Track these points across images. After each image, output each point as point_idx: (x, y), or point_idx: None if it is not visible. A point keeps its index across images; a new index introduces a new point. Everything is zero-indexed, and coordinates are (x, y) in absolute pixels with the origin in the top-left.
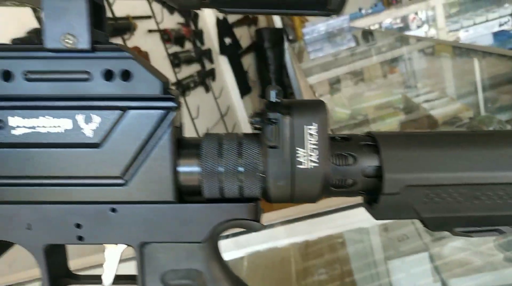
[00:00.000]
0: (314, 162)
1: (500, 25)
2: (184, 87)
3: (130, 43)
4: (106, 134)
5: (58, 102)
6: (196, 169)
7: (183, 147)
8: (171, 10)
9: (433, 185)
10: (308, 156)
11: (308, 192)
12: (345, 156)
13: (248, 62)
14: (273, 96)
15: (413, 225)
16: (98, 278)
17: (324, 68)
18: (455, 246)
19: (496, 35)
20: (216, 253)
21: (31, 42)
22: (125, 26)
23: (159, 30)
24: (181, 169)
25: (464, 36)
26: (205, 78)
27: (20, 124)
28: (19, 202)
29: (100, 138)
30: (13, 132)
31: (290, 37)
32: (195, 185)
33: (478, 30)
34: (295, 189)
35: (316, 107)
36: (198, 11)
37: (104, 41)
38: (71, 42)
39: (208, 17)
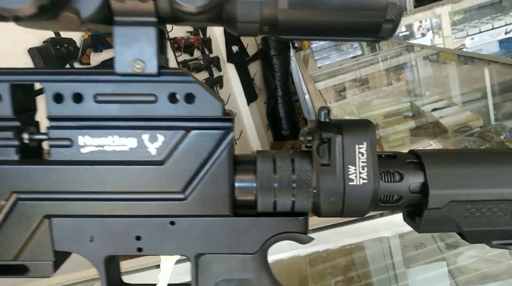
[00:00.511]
0: (364, 179)
1: (506, 32)
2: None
3: None
4: (169, 152)
5: (125, 122)
6: (251, 184)
7: (239, 164)
8: None
9: (474, 201)
10: (358, 173)
11: (358, 207)
12: (392, 173)
13: (255, 69)
14: (323, 116)
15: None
16: None
17: (331, 75)
18: (471, 254)
19: (502, 42)
20: (266, 264)
21: (47, 50)
22: None
23: (169, 39)
24: (237, 184)
25: (470, 44)
26: (213, 85)
27: (89, 143)
28: (84, 216)
29: (164, 156)
30: (82, 150)
31: (296, 45)
32: (250, 200)
33: (484, 38)
34: (345, 204)
35: (365, 127)
36: None
37: (165, 64)
38: (140, 67)
39: (216, 27)
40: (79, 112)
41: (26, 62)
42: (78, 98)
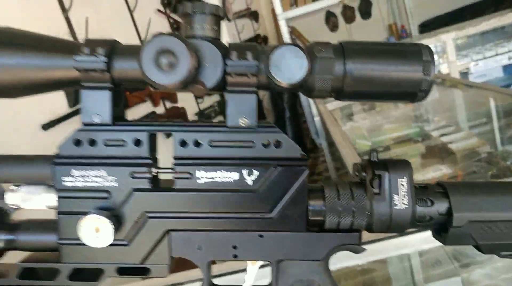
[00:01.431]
0: (405, 204)
1: (510, 58)
2: (205, 116)
3: None
4: (262, 183)
5: (231, 160)
6: (321, 208)
7: (310, 192)
8: None
9: (487, 221)
10: (401, 200)
11: (400, 225)
12: (425, 200)
13: (263, 92)
14: (374, 157)
15: (444, 250)
16: None
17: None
18: (483, 273)
19: (505, 68)
20: (328, 269)
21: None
22: None
23: None
24: (310, 208)
25: (475, 69)
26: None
27: (203, 176)
28: (196, 230)
29: (257, 186)
30: (198, 181)
31: None
32: (319, 219)
33: (488, 63)
34: (391, 223)
35: (405, 165)
36: None
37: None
38: (245, 123)
39: None
40: (197, 154)
41: None
42: (197, 143)
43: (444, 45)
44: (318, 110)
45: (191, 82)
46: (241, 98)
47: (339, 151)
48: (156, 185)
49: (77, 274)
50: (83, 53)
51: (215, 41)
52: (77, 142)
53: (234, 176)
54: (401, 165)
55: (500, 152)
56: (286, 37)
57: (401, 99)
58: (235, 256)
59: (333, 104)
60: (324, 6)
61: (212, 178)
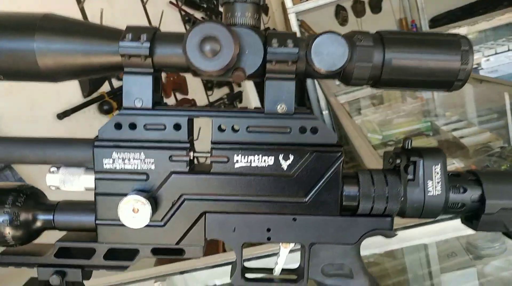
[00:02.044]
0: (439, 191)
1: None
2: None
3: None
4: (297, 168)
5: (268, 146)
6: (356, 193)
7: (345, 178)
8: None
9: None
10: (435, 187)
11: (433, 211)
12: (458, 187)
13: None
14: (407, 144)
15: (459, 242)
16: (268, 270)
17: (346, 92)
18: (496, 265)
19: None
20: (359, 254)
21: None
22: None
23: None
24: (345, 193)
25: (486, 65)
26: (233, 100)
27: (240, 160)
28: (231, 212)
29: (293, 171)
30: (235, 165)
31: None
32: (353, 205)
33: (500, 59)
34: (424, 209)
35: (439, 153)
36: None
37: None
38: (283, 109)
39: None
40: (235, 138)
41: None
42: (234, 129)
43: None
44: (328, 104)
45: (232, 69)
46: (280, 85)
47: (352, 144)
48: (194, 168)
49: (112, 254)
50: (127, 39)
51: (256, 28)
52: (118, 126)
53: (270, 161)
54: (435, 153)
55: None
56: (296, 31)
57: (437, 88)
58: (269, 239)
59: (342, 98)
60: (334, 0)
61: (249, 162)
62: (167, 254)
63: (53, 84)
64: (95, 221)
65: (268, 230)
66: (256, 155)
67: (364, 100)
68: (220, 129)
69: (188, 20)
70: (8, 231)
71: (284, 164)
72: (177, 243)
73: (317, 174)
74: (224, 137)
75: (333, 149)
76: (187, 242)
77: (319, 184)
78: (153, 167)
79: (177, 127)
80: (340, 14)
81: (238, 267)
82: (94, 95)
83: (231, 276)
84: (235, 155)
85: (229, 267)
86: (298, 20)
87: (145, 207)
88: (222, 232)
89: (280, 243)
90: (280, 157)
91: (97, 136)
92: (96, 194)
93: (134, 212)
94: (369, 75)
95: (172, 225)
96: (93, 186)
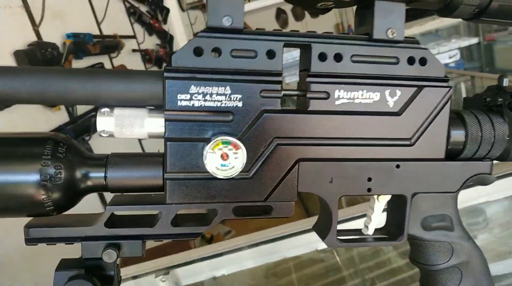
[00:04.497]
0: None
1: (450, 57)
2: None
3: (116, 62)
4: (404, 105)
5: (373, 79)
6: (462, 135)
7: (450, 118)
8: (150, 31)
9: None
10: None
11: None
12: None
13: None
14: (505, 82)
15: None
16: (357, 231)
17: None
18: (484, 238)
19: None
20: (457, 203)
21: (33, 53)
22: (114, 44)
23: (140, 50)
24: (452, 134)
25: None
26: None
27: (342, 96)
28: (327, 159)
29: (399, 108)
30: (336, 102)
31: None
32: (458, 148)
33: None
34: None
35: None
36: (172, 34)
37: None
38: (394, 34)
39: (181, 41)
40: (337, 70)
41: (11, 64)
42: (338, 57)
43: None
44: None
45: None
46: (390, 8)
47: None
48: (287, 106)
49: (182, 218)
50: None
51: None
52: (198, 51)
53: (375, 96)
54: None
55: None
56: None
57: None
58: (369, 190)
59: None
60: (274, 3)
61: (352, 98)
62: (250, 214)
63: None
64: (163, 175)
65: (369, 179)
66: (360, 91)
67: None
68: (321, 57)
69: (133, 13)
70: (47, 193)
71: (391, 101)
72: (265, 199)
73: (425, 113)
74: (326, 67)
75: (442, 83)
76: (277, 197)
77: (426, 123)
78: (240, 104)
79: (270, 54)
80: (280, 16)
81: (333, 226)
82: None
83: (323, 238)
84: (337, 91)
85: (236, 255)
86: None
87: (239, 152)
88: (317, 184)
89: (375, 197)
90: (387, 92)
91: (166, 66)
92: (166, 140)
93: (222, 159)
94: (479, 2)
95: (261, 177)
96: (159, 131)
